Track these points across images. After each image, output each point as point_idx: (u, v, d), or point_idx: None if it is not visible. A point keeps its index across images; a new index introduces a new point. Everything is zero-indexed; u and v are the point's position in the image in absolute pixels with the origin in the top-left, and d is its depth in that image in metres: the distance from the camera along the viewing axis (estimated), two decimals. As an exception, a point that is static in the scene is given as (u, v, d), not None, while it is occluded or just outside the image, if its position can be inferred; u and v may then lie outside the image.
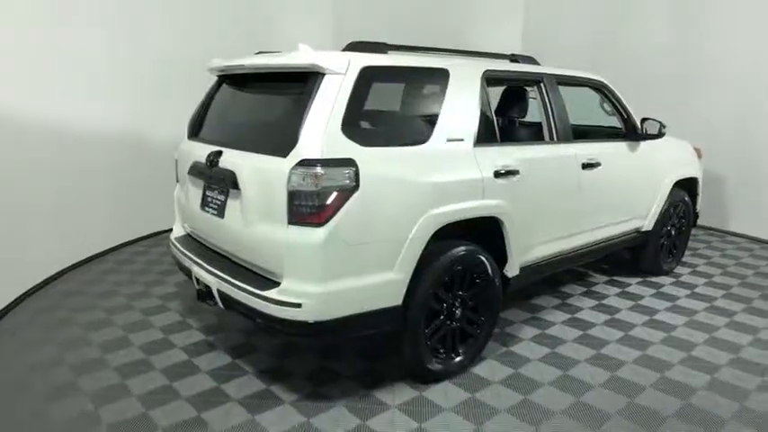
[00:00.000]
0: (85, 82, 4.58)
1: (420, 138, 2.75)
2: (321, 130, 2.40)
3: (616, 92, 4.13)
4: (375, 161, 2.51)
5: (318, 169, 2.35)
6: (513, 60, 3.59)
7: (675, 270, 4.81)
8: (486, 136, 3.06)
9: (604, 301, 4.11)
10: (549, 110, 3.53)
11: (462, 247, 2.89)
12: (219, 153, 2.83)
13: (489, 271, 3.03)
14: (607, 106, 4.21)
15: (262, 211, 2.56)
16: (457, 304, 2.96)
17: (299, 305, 2.41)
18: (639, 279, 4.61)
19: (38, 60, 4.09)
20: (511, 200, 3.08)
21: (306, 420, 2.59)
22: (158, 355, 3.18)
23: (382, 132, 2.74)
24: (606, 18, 6.82)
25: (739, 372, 3.10)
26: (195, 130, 3.34)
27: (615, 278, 4.66)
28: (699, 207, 4.97)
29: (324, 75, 2.51)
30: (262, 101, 3.15)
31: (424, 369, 2.87)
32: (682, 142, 4.85)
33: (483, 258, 2.98)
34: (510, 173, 3.08)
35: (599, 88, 4.10)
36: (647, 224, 4.38)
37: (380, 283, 2.56)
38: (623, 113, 4.16)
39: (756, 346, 3.41)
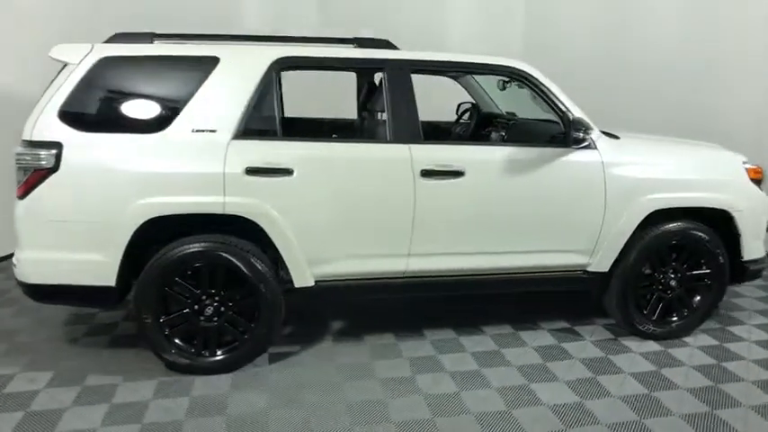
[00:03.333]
0: None
1: (155, 127, 2.74)
2: (37, 114, 2.68)
3: (546, 84, 3.13)
4: (86, 146, 2.66)
5: (19, 149, 2.65)
6: (359, 45, 3.09)
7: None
8: (255, 129, 2.83)
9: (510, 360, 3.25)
10: (386, 103, 2.97)
11: (199, 244, 2.78)
12: None
13: (248, 273, 2.82)
14: (537, 103, 3.22)
15: None
16: (209, 302, 2.87)
17: (15, 267, 2.78)
18: (608, 337, 3.43)
19: None
20: (278, 201, 2.79)
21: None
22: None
23: (113, 119, 2.82)
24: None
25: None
26: None
27: (575, 327, 3.56)
28: (747, 255, 3.35)
29: (66, 65, 2.76)
30: None
31: (160, 357, 2.88)
32: (715, 153, 3.36)
33: (232, 259, 2.80)
34: (275, 171, 2.78)
35: (519, 79, 3.18)
36: (598, 263, 3.23)
37: (86, 261, 2.72)
38: (557, 112, 3.13)
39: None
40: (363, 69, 3.20)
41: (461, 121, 4.33)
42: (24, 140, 2.67)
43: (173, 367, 2.90)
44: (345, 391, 2.80)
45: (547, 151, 3.07)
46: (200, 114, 2.78)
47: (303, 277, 2.94)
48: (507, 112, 4.21)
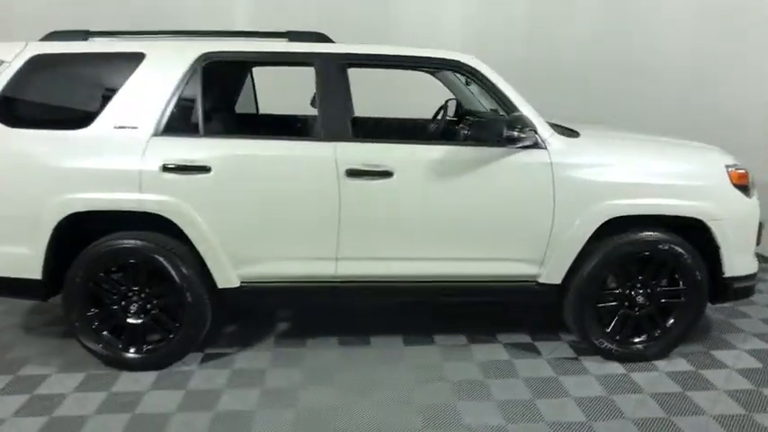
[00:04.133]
0: None
1: (80, 123, 2.76)
2: None
3: (492, 79, 2.89)
4: (10, 142, 2.73)
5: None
6: (291, 39, 2.97)
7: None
8: (177, 126, 2.79)
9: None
10: (318, 99, 2.84)
11: (123, 241, 2.78)
12: None
13: (172, 272, 2.80)
14: (485, 99, 2.98)
15: None
16: (135, 299, 2.87)
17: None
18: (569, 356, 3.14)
19: None
20: (195, 199, 2.74)
21: None
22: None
23: (41, 115, 2.85)
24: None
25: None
26: None
27: (536, 342, 3.28)
28: (730, 271, 2.95)
29: (1, 62, 2.84)
30: None
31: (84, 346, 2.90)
32: (691, 154, 3.01)
33: (160, 258, 2.78)
34: (192, 168, 2.72)
35: (466, 73, 2.95)
36: (549, 274, 2.94)
37: (12, 253, 2.78)
38: (504, 108, 2.88)
39: None
40: (293, 64, 3.06)
41: (438, 118, 4.12)
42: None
43: (99, 358, 2.92)
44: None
45: (486, 151, 2.82)
46: (123, 111, 2.77)
47: (226, 278, 2.87)
48: (491, 109, 3.96)
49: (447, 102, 4.01)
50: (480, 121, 3.32)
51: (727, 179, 2.91)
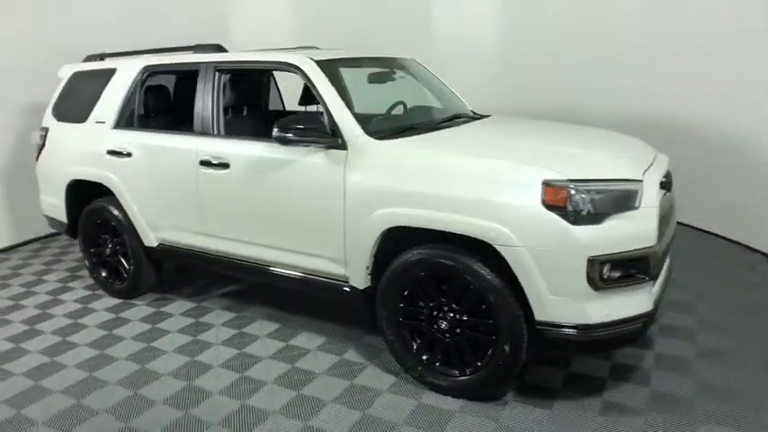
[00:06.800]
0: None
1: (82, 118, 3.98)
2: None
3: (314, 80, 2.97)
4: (57, 131, 4.15)
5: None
6: (195, 51, 3.58)
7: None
8: (126, 121, 3.76)
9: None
10: (198, 99, 3.40)
11: (101, 203, 3.93)
12: None
13: (121, 229, 3.85)
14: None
15: None
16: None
17: None
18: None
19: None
20: (124, 176, 3.68)
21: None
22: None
23: (71, 113, 4.10)
24: None
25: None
26: None
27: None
28: (541, 314, 2.36)
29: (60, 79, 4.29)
30: None
31: None
32: (495, 164, 2.52)
33: (115, 215, 3.82)
34: (121, 153, 3.66)
35: (295, 73, 3.09)
36: (353, 277, 2.88)
37: (52, 202, 4.23)
38: (324, 108, 2.91)
39: None
40: (191, 72, 3.62)
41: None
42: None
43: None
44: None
45: (291, 150, 2.92)
46: (100, 110, 3.90)
47: (148, 239, 3.75)
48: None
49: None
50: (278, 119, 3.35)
51: (539, 197, 2.31)
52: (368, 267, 2.79)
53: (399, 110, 3.80)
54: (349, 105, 2.94)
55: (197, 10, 6.71)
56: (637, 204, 2.40)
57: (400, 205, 2.59)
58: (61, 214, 4.21)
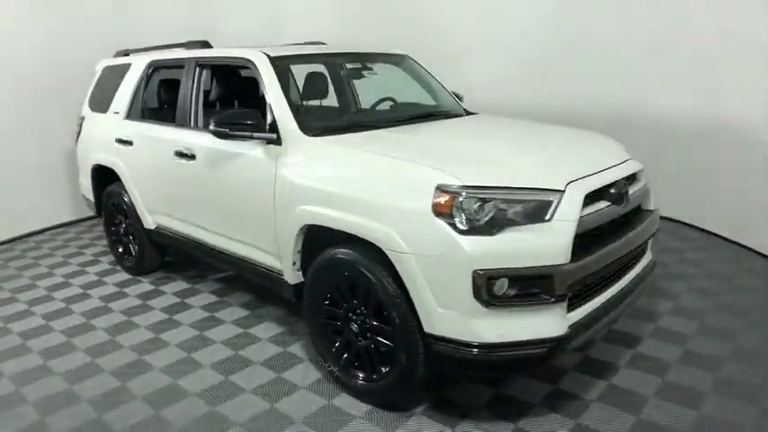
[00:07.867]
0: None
1: (105, 109, 4.38)
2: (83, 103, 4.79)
3: (263, 77, 3.04)
4: (90, 121, 4.61)
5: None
6: (186, 48, 3.77)
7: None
8: (134, 112, 4.09)
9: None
10: (180, 93, 3.60)
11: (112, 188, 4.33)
12: None
13: (124, 207, 4.21)
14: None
15: None
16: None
17: None
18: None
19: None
20: (127, 162, 4.02)
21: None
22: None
23: (99, 104, 4.51)
24: None
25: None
26: None
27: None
28: (429, 327, 2.25)
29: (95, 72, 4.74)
30: None
31: None
32: (393, 165, 2.45)
33: (123, 197, 4.20)
34: (126, 142, 4.00)
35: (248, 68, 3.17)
36: (287, 272, 2.92)
37: (84, 183, 4.72)
38: (268, 102, 2.96)
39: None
40: (181, 67, 3.79)
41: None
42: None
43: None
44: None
45: (237, 143, 3.00)
46: (117, 101, 4.27)
47: (147, 221, 4.06)
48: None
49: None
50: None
51: (430, 202, 2.17)
52: (294, 263, 2.82)
53: (387, 105, 3.78)
54: (292, 102, 2.97)
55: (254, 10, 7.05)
56: (548, 216, 2.18)
57: (315, 203, 2.58)
58: (91, 195, 4.68)
